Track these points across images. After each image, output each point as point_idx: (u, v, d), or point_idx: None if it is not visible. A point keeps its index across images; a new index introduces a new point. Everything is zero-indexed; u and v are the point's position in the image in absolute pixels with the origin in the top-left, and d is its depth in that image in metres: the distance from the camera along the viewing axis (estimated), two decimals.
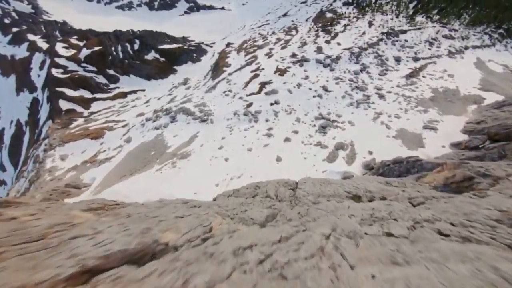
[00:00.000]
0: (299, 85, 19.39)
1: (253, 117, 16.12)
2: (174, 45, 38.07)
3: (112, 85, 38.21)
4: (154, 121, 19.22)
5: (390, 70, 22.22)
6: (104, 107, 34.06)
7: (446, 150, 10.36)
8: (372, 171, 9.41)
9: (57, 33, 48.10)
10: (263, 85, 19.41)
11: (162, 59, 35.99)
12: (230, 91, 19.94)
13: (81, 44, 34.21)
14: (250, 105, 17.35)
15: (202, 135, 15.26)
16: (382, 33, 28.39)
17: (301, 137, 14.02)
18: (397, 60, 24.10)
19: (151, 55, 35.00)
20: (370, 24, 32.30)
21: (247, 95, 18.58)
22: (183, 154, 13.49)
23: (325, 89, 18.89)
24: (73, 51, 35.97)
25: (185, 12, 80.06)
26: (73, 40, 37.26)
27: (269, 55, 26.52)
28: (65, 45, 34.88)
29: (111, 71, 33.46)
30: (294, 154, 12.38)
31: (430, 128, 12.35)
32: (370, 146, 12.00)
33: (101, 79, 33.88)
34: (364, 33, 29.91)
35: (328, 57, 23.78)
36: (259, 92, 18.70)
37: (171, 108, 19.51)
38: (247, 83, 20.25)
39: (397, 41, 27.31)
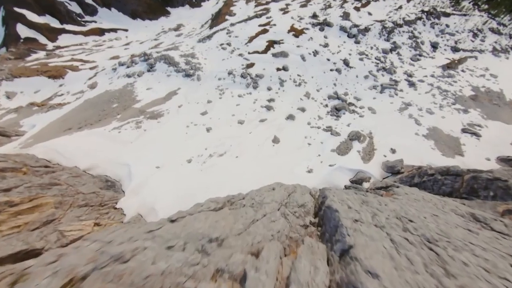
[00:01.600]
0: (315, 52, 16.09)
1: (252, 82, 13.09)
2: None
3: (87, 18, 32.23)
4: (128, 67, 15.65)
5: (425, 56, 19.12)
6: (74, 43, 28.91)
7: (492, 165, 8.28)
8: (398, 176, 7.21)
9: None
10: (271, 44, 15.91)
11: None
12: (228, 44, 16.30)
13: None
14: (251, 65, 14.11)
15: (183, 93, 12.23)
16: (422, 11, 24.38)
17: (308, 117, 11.43)
18: (434, 46, 20.84)
19: None
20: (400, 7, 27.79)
21: (249, 53, 15.16)
22: (154, 114, 10.62)
23: (346, 63, 15.79)
24: None
25: None
26: None
27: (284, 10, 22.16)
28: None
29: (88, 0, 27.52)
30: (296, 137, 9.91)
31: (471, 133, 10.13)
32: (394, 142, 9.71)
33: (74, 7, 28.11)
34: (401, 7, 25.66)
35: (356, 26, 20.04)
36: (265, 51, 15.30)
37: (151, 54, 15.82)
38: (251, 39, 16.59)
39: (437, 24, 23.59)
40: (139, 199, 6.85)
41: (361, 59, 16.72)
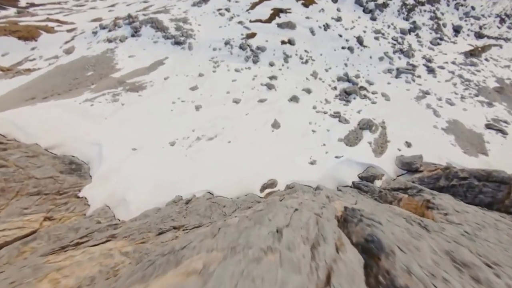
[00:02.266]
0: (326, 26, 14.32)
1: (253, 55, 11.52)
2: None
3: None
4: (109, 31, 13.67)
5: (446, 40, 17.48)
6: (52, 1, 25.75)
7: None
8: (417, 175, 6.25)
9: None
10: (277, 12, 14.00)
11: None
12: (227, 10, 14.29)
13: None
14: (252, 35, 12.40)
15: (171, 63, 10.66)
16: None
17: (313, 100, 10.17)
18: (456, 30, 19.07)
19: None
20: None
21: (250, 21, 13.32)
22: (135, 86, 9.18)
23: (360, 41, 14.15)
24: None
25: None
26: None
27: None
28: None
29: None
30: (300, 123, 8.75)
31: (496, 130, 9.13)
32: (409, 134, 8.67)
33: None
34: None
35: (373, 0, 17.96)
36: (269, 20, 13.46)
37: (137, 17, 13.78)
38: (254, 5, 14.56)
39: (462, 5, 21.49)
40: (109, 187, 5.78)
41: (376, 38, 15.06)
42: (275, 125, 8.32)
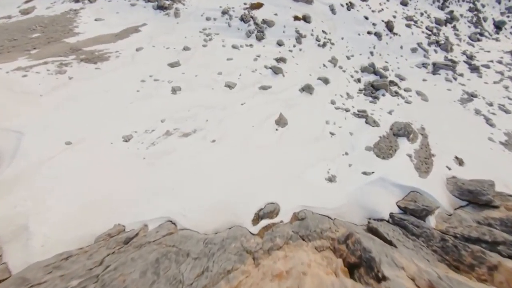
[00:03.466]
0: (350, 5, 12.18)
1: (257, 30, 9.40)
2: None
3: None
4: None
5: (487, 36, 15.43)
6: None
7: None
8: (493, 214, 4.28)
9: None
10: None
11: None
12: None
13: None
14: (257, 6, 10.25)
15: (148, 31, 8.51)
16: None
17: (332, 92, 8.14)
18: (498, 26, 17.00)
19: None
20: None
21: None
22: (94, 55, 7.04)
23: (389, 27, 12.06)
24: None
25: None
26: None
27: None
28: None
29: None
30: (313, 120, 6.74)
31: None
32: (459, 148, 6.71)
33: None
34: None
35: None
36: None
37: None
38: None
39: None
40: (10, 202, 3.74)
41: (408, 26, 12.97)
42: (280, 121, 6.28)
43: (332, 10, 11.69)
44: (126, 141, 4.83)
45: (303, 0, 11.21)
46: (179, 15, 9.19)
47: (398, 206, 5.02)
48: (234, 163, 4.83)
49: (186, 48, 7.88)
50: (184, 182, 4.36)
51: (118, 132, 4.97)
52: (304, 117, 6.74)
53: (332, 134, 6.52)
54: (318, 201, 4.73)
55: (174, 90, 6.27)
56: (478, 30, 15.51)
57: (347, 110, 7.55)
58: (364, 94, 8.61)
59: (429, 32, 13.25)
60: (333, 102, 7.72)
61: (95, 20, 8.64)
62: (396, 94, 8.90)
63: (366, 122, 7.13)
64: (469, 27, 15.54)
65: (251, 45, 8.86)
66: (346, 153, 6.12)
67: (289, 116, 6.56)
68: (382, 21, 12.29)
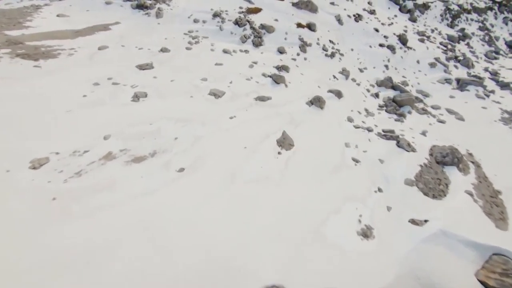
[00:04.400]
0: (358, 17, 11.41)
1: (253, 35, 8.23)
2: None
3: None
4: None
5: (503, 55, 14.82)
6: None
7: None
8: None
9: None
10: None
11: None
12: None
13: None
14: (255, 11, 9.25)
15: (120, 30, 7.20)
16: (493, 1, 20.30)
17: (347, 108, 6.67)
18: (510, 46, 16.64)
19: None
20: None
21: None
22: (38, 51, 5.54)
23: (402, 40, 11.18)
24: None
25: None
26: None
27: None
28: None
29: None
30: (327, 143, 5.10)
31: None
32: None
33: None
34: None
35: None
36: None
37: None
38: None
39: (510, 20, 19.51)
40: None
41: (421, 41, 12.18)
42: (284, 142, 4.61)
43: (339, 21, 10.84)
44: (34, 167, 3.05)
45: (306, 8, 10.36)
46: (162, 16, 8.02)
47: (480, 282, 3.18)
48: (212, 210, 3.03)
49: (164, 50, 6.49)
50: (120, 247, 2.50)
51: (29, 153, 3.21)
52: (315, 138, 5.11)
53: (356, 161, 4.84)
54: (351, 279, 2.87)
55: (137, 97, 4.66)
56: (492, 49, 14.94)
57: (369, 130, 5.99)
58: (386, 111, 7.16)
59: (444, 48, 12.46)
60: (350, 120, 6.19)
61: (57, 16, 7.35)
62: (425, 111, 7.49)
63: (398, 145, 5.52)
64: (483, 45, 15.00)
65: (246, 51, 7.58)
66: (380, 189, 4.39)
67: (296, 135, 4.93)
68: (394, 34, 11.46)
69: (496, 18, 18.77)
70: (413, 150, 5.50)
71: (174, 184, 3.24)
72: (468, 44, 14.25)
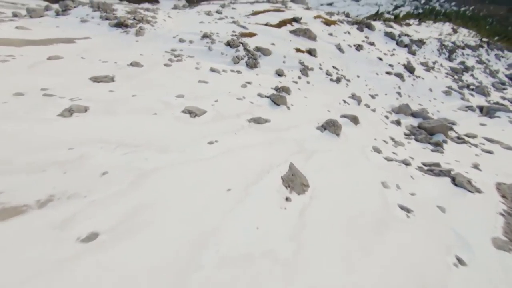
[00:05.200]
0: (359, 47, 11.02)
1: (248, 56, 7.33)
2: None
3: None
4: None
5: (509, 86, 14.49)
6: None
7: None
8: None
9: None
10: (289, 21, 10.89)
11: None
12: (219, 12, 11.22)
13: None
14: (249, 35, 8.60)
15: (87, 44, 6.12)
16: (481, 40, 21.41)
17: (367, 136, 5.26)
18: (511, 78, 16.62)
19: None
20: (455, 31, 25.55)
21: (250, 24, 9.90)
22: None
23: (409, 69, 10.61)
24: None
25: None
26: None
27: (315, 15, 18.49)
28: None
29: None
30: (355, 181, 3.46)
31: None
32: None
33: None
34: (455, 31, 23.03)
35: (405, 35, 15.98)
36: (278, 26, 10.10)
37: None
38: (257, 12, 11.67)
39: (502, 56, 20.21)
40: None
41: (427, 70, 11.71)
42: (294, 182, 2.97)
43: (340, 49, 10.34)
44: None
45: (305, 35, 9.91)
46: (142, 34, 7.16)
47: None
48: None
49: (135, 64, 5.30)
50: None
51: None
52: (338, 174, 3.51)
53: (406, 210, 3.15)
54: None
55: (70, 111, 3.15)
56: (496, 80, 14.68)
57: (406, 163, 4.45)
58: (416, 140, 5.76)
59: (452, 77, 11.95)
60: (377, 150, 4.70)
61: (16, 28, 6.35)
62: (462, 140, 6.10)
63: (455, 184, 3.91)
64: (486, 77, 14.78)
65: (238, 72, 6.49)
66: (460, 261, 2.62)
67: (309, 170, 3.33)
68: (399, 63, 10.96)
69: (488, 54, 19.40)
70: (478, 190, 3.88)
71: (66, 272, 1.47)
72: (472, 75, 13.97)
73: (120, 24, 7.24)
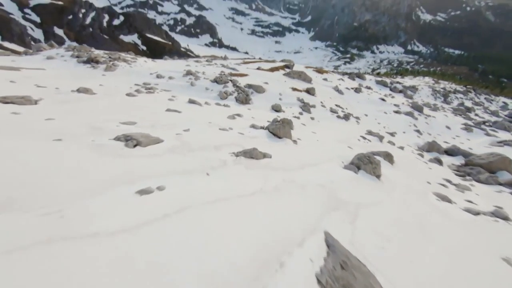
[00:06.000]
0: (357, 90, 10.49)
1: (237, 91, 6.24)
2: (167, 42, 33.04)
3: None
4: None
5: None
6: None
7: None
8: None
9: None
10: (282, 67, 10.57)
11: (143, 47, 29.84)
12: (208, 61, 10.95)
13: None
14: (240, 76, 7.81)
15: (34, 73, 4.89)
16: (466, 86, 22.40)
17: (415, 177, 3.55)
18: (510, 117, 16.29)
19: (131, 38, 29.14)
20: (436, 82, 27.31)
21: (237, 64, 9.37)
22: None
23: (416, 108, 9.81)
24: None
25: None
26: None
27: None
28: None
29: (59, 31, 26.48)
30: (464, 266, 1.54)
31: None
32: None
33: (37, 34, 26.51)
34: (434, 84, 24.25)
35: (397, 82, 16.27)
36: (271, 70, 9.60)
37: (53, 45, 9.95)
38: (247, 62, 11.52)
39: (492, 100, 20.67)
40: None
41: (433, 110, 11.03)
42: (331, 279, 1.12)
43: (338, 91, 9.70)
44: None
45: (300, 78, 9.34)
46: (113, 70, 6.16)
47: None
48: None
49: (83, 91, 3.95)
50: None
51: None
52: (421, 254, 1.66)
53: None
54: None
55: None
56: (501, 118, 14.13)
57: (503, 217, 2.65)
58: (477, 181, 4.11)
59: (460, 115, 11.18)
60: (444, 198, 3.01)
61: None
62: None
63: None
64: (490, 116, 14.28)
65: (226, 105, 5.22)
66: None
67: (364, 247, 1.51)
68: (403, 103, 10.26)
69: (478, 98, 19.82)
70: None
71: None
72: (477, 115, 13.43)
73: (91, 60, 6.32)
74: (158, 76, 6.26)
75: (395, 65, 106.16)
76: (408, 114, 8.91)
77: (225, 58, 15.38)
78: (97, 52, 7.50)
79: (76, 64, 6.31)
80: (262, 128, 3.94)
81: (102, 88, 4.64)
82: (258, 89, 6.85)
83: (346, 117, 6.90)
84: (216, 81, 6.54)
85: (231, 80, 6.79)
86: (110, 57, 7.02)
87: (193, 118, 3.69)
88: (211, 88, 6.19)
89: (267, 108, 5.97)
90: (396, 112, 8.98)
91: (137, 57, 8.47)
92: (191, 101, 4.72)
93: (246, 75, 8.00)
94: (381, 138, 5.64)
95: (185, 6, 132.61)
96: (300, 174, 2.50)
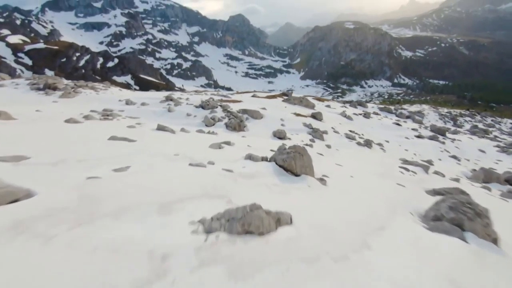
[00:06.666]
0: (366, 115, 9.47)
1: (228, 116, 4.96)
2: (160, 81, 33.55)
3: None
4: None
5: None
6: None
7: None
8: None
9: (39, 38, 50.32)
10: (280, 95, 9.63)
11: (136, 87, 29.90)
12: (196, 91, 9.98)
13: (42, 41, 30.28)
14: (233, 102, 6.66)
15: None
16: (468, 110, 21.99)
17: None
18: None
19: (123, 78, 29.36)
20: (435, 108, 27.19)
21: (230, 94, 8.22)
22: None
23: (440, 132, 8.64)
24: (25, 42, 31.46)
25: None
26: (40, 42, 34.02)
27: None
28: (25, 38, 31.10)
29: (51, 72, 26.48)
30: None
31: None
32: None
33: (26, 75, 26.42)
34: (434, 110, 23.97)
35: (401, 108, 15.56)
36: (268, 98, 8.58)
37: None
38: (239, 93, 10.47)
39: (500, 122, 20.00)
40: None
41: (454, 133, 9.89)
42: None
43: (346, 117, 8.60)
44: None
45: (301, 104, 8.29)
46: (71, 97, 4.94)
47: None
48: None
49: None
50: None
51: None
52: None
53: None
54: None
55: None
56: None
57: None
58: None
59: (485, 136, 10.02)
60: None
61: None
62: None
63: None
64: (509, 136, 13.20)
65: (212, 133, 3.87)
66: None
67: None
68: (420, 127, 9.14)
69: (486, 120, 19.13)
70: None
71: None
72: (496, 136, 12.31)
73: (47, 87, 5.14)
74: (128, 103, 5.04)
75: (385, 96, 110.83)
76: (433, 138, 7.67)
77: (217, 91, 14.75)
78: (59, 80, 6.40)
79: (26, 90, 5.14)
80: (265, 160, 2.51)
81: (37, 114, 3.30)
82: (255, 115, 5.62)
83: (368, 144, 5.56)
84: (202, 106, 5.33)
85: (220, 105, 5.59)
86: (75, 85, 5.90)
87: (149, 149, 2.26)
88: (194, 114, 4.93)
89: (267, 135, 4.62)
90: (418, 136, 7.75)
91: (112, 86, 7.42)
92: (160, 128, 3.36)
93: (239, 101, 6.90)
94: (426, 168, 4.21)
95: (182, 53, 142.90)
96: (367, 269, 0.98)
